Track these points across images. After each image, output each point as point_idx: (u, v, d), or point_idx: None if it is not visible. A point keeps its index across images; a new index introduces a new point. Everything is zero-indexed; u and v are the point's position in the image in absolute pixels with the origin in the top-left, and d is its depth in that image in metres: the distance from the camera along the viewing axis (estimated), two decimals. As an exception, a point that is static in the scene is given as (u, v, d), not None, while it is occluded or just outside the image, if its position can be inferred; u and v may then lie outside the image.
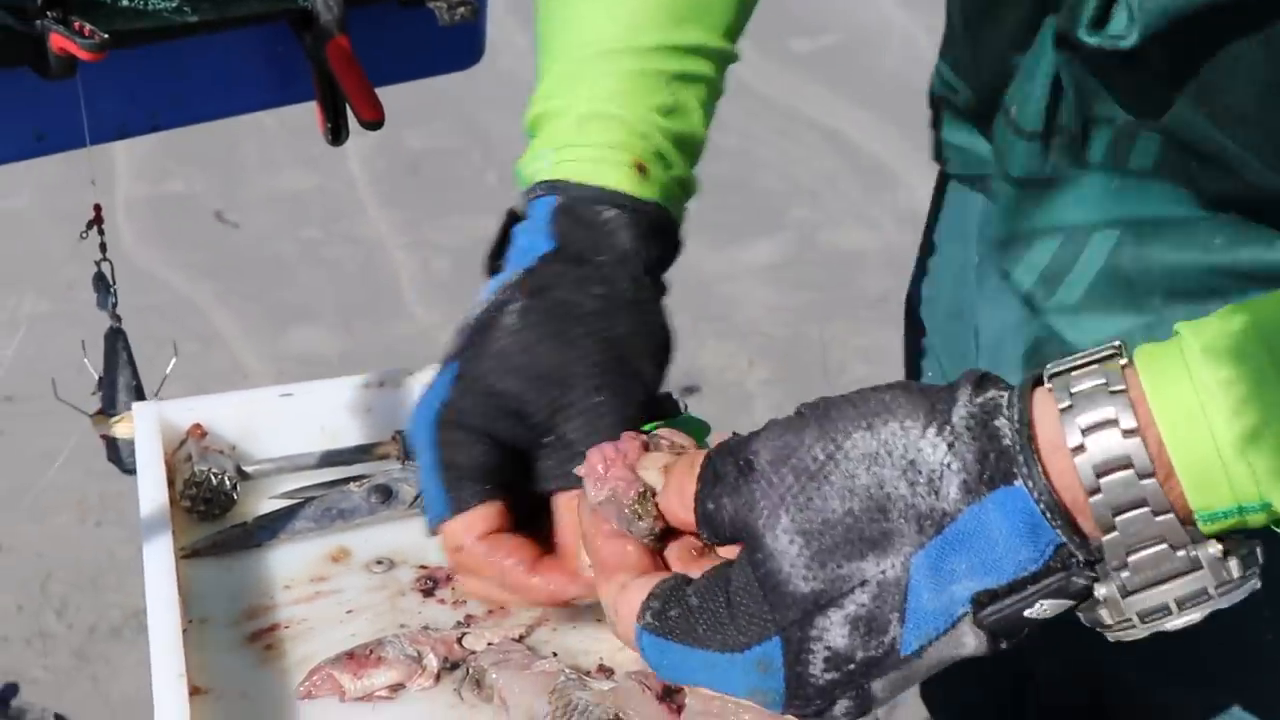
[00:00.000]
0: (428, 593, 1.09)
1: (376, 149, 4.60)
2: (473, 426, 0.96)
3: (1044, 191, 1.09)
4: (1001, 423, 0.73)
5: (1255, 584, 0.73)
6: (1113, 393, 0.71)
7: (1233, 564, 0.73)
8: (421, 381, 1.23)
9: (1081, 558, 0.73)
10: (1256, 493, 0.70)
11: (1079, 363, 0.74)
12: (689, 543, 0.87)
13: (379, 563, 1.12)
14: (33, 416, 3.38)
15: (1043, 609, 0.73)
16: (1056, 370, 0.74)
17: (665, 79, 1.05)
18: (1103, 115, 1.02)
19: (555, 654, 1.03)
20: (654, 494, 0.86)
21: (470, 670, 1.01)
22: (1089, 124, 1.04)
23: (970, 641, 0.74)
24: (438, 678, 1.01)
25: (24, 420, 3.39)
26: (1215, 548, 0.72)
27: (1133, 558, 0.72)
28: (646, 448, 0.89)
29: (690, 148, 1.08)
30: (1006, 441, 0.73)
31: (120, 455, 1.26)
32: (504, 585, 0.96)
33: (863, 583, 0.74)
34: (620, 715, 0.97)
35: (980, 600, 0.73)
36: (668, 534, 0.87)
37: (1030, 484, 0.72)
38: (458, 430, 0.96)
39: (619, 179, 1.02)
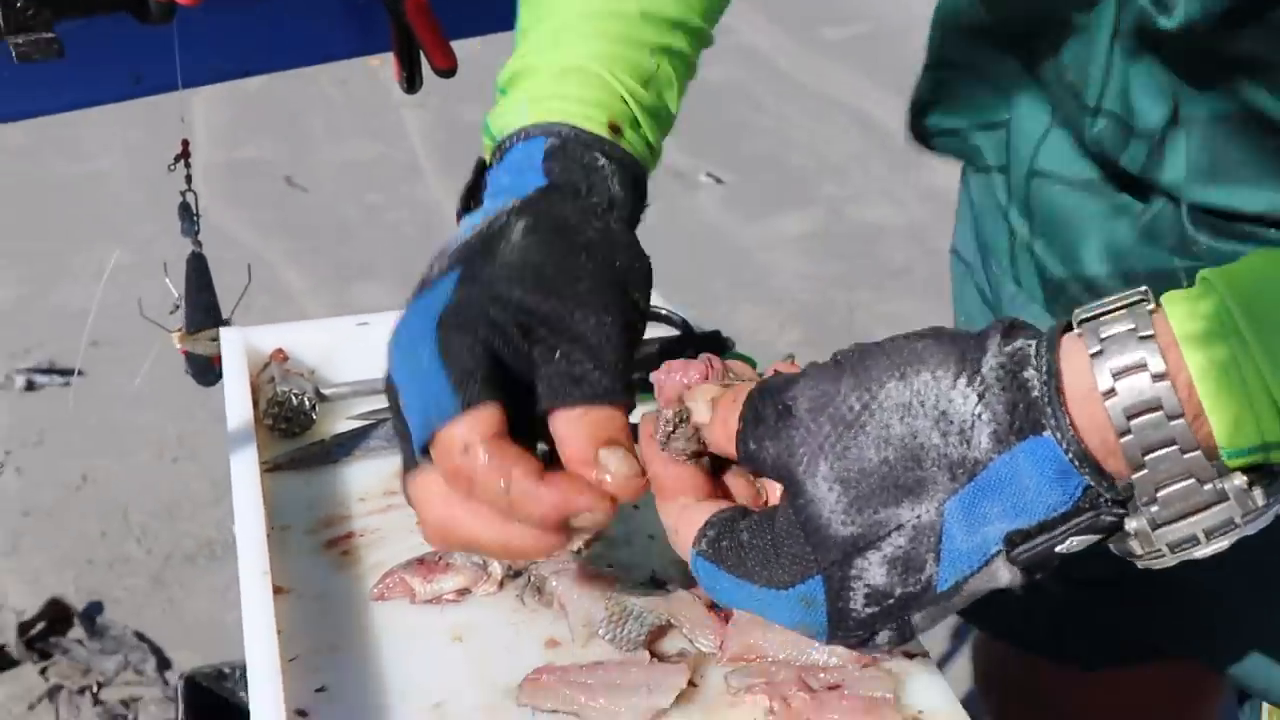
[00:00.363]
0: (492, 508, 1.09)
1: (435, 121, 4.60)
2: (476, 331, 0.84)
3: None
4: (1030, 374, 0.71)
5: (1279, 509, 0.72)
6: (1142, 338, 0.70)
7: (1257, 493, 0.71)
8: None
9: (1109, 497, 0.71)
10: None
11: (1108, 308, 0.72)
12: (743, 471, 0.86)
13: (447, 480, 1.11)
14: (116, 360, 3.39)
15: (1072, 544, 0.72)
16: (1085, 316, 0.72)
17: (646, 49, 0.99)
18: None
19: (610, 566, 1.02)
20: (690, 418, 0.84)
21: (531, 578, 1.01)
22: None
23: (1004, 576, 0.73)
24: (501, 584, 1.01)
25: (108, 364, 3.41)
26: (1240, 480, 0.71)
27: (1161, 493, 0.71)
28: (706, 377, 0.87)
29: (663, 122, 1.00)
30: (1035, 393, 0.71)
31: (199, 370, 1.25)
32: (508, 497, 0.80)
33: (899, 527, 0.73)
34: (672, 620, 0.97)
35: (1013, 539, 0.72)
36: (710, 458, 0.86)
37: (1058, 435, 0.70)
38: (461, 332, 0.83)
39: (598, 131, 0.95)
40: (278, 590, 0.99)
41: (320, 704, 0.91)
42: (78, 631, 2.70)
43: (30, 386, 3.40)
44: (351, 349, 1.20)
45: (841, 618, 0.75)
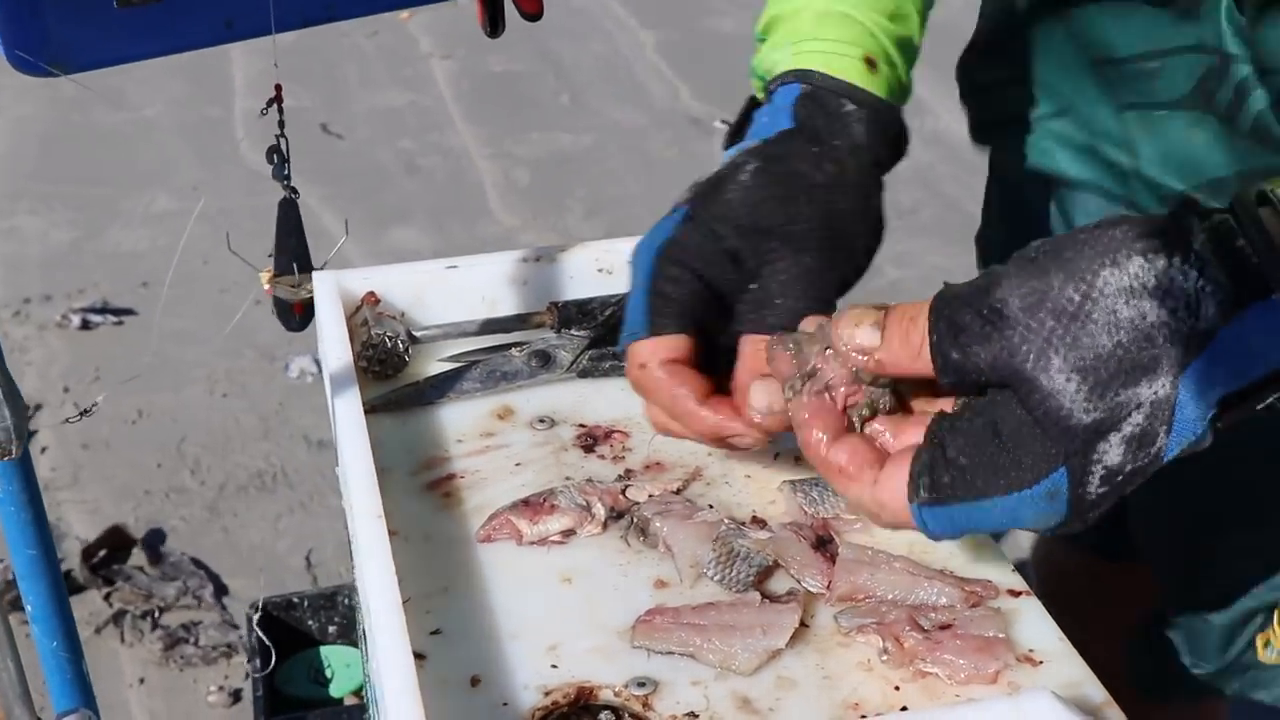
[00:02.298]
0: (588, 449, 1.03)
1: (462, 71, 4.52)
2: (689, 264, 0.92)
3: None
4: (1242, 243, 0.69)
5: None
6: None
7: None
8: (573, 256, 1.17)
9: None
10: None
11: None
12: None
13: (541, 421, 1.06)
14: (167, 300, 3.34)
15: (1268, 401, 0.71)
16: (1269, 187, 0.70)
17: None
18: None
19: (711, 506, 0.97)
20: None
21: (635, 519, 0.95)
22: None
23: (1208, 439, 0.71)
24: (605, 525, 0.95)
25: (158, 303, 3.35)
26: None
27: None
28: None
29: (909, 52, 1.03)
30: (1255, 259, 0.69)
31: (285, 313, 1.19)
32: (672, 412, 0.91)
33: (1138, 405, 0.71)
34: (779, 561, 0.92)
35: (1228, 401, 0.70)
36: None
37: None
38: (675, 265, 0.92)
39: (852, 71, 0.97)
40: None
41: (436, 646, 0.86)
42: (138, 559, 2.65)
43: (85, 325, 3.33)
44: (441, 291, 1.14)
45: (1080, 503, 0.73)
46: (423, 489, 0.99)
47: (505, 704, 0.82)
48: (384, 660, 0.77)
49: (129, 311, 3.39)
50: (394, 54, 4.66)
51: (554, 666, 0.84)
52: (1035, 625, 0.87)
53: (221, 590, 2.60)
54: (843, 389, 0.82)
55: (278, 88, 1.15)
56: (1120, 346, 0.70)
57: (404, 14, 4.81)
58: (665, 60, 4.62)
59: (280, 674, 1.74)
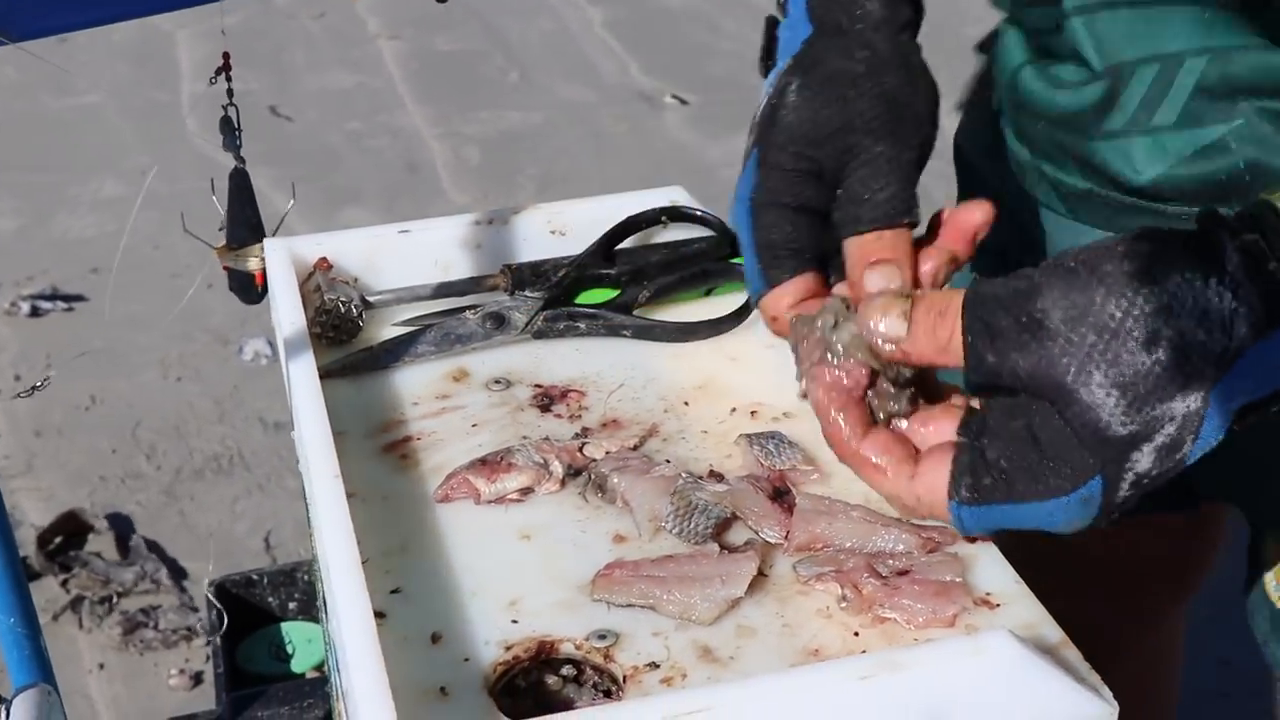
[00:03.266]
0: (544, 408, 1.03)
1: (410, 52, 4.49)
2: (781, 203, 0.92)
3: (1142, 22, 1.03)
4: (1274, 266, 0.73)
5: None
6: None
7: None
8: (526, 219, 1.17)
9: None
10: None
11: None
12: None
13: (496, 382, 1.05)
14: (116, 286, 3.31)
15: None
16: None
17: None
18: None
19: (669, 461, 0.97)
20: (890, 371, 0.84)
21: (593, 476, 0.95)
22: None
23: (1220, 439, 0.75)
24: (563, 483, 0.95)
25: (108, 289, 3.32)
26: None
27: None
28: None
29: None
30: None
31: (241, 286, 1.18)
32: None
33: (1172, 418, 0.74)
34: (737, 513, 0.92)
35: (1246, 411, 0.74)
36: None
37: None
38: (769, 210, 0.92)
39: None
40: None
41: (396, 604, 0.86)
42: (95, 544, 2.63)
43: (35, 312, 3.30)
44: (394, 256, 1.13)
45: (1109, 506, 0.76)
46: (380, 451, 0.99)
47: (467, 659, 0.82)
48: (344, 618, 0.77)
49: (79, 298, 3.36)
50: (341, 35, 4.63)
51: (514, 621, 0.84)
52: (992, 569, 0.88)
53: (180, 574, 2.59)
54: (864, 371, 0.84)
55: (225, 56, 1.14)
56: (1159, 364, 0.73)
57: (351, -5, 4.79)
58: (613, 36, 4.61)
59: (241, 651, 1.74)
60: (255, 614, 1.78)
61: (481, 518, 0.93)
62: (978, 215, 0.88)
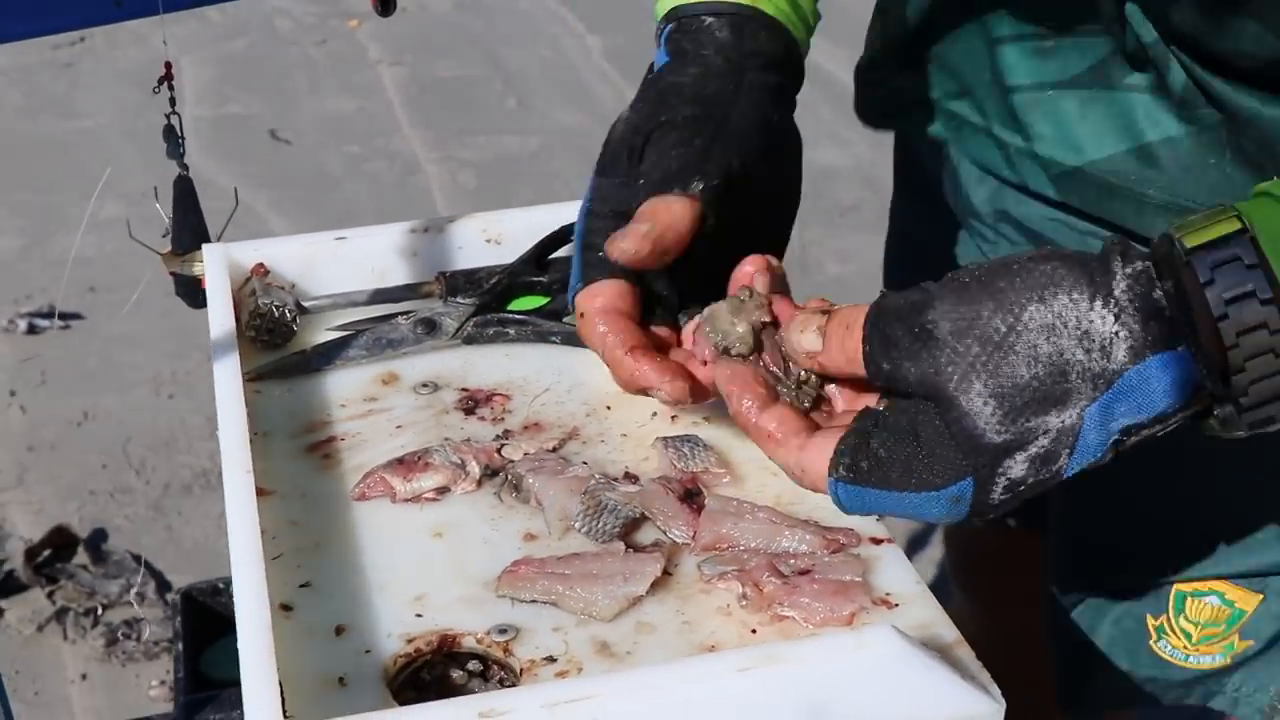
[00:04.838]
0: (469, 411, 1.04)
1: (410, 77, 4.52)
2: (606, 211, 0.93)
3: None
4: (1159, 295, 0.74)
5: None
6: (1249, 267, 0.73)
7: None
8: (462, 227, 1.18)
9: (1216, 394, 0.75)
10: None
11: (1210, 238, 0.74)
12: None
13: (424, 385, 1.06)
14: (113, 305, 3.32)
15: (1168, 428, 0.76)
16: (1188, 242, 0.75)
17: None
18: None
19: (585, 463, 0.97)
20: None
21: (509, 476, 0.96)
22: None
23: (1109, 457, 0.76)
24: (479, 483, 0.96)
25: (105, 308, 3.34)
26: None
27: (1253, 388, 0.74)
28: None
29: None
30: (1168, 313, 0.74)
31: (189, 291, 1.19)
32: (605, 360, 0.91)
33: (1045, 431, 0.75)
34: (646, 513, 0.92)
35: (1129, 431, 0.75)
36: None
37: (1194, 349, 0.74)
38: (599, 217, 0.93)
39: None
40: (261, 493, 0.94)
41: (304, 597, 0.87)
42: (82, 558, 2.64)
43: (32, 330, 3.32)
44: (331, 263, 1.14)
45: (981, 507, 0.77)
46: (303, 451, 1.00)
47: (368, 651, 0.82)
48: (242, 608, 0.78)
49: (76, 316, 3.38)
50: (343, 61, 4.66)
51: (419, 616, 0.85)
52: (894, 570, 0.88)
53: (165, 587, 2.59)
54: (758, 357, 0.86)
55: (167, 65, 1.15)
56: (1036, 379, 0.75)
57: (353, 21, 4.81)
58: (611, 64, 4.62)
59: (205, 658, 1.74)
60: (222, 622, 1.78)
61: (396, 516, 0.93)
62: (749, 268, 0.89)
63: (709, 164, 0.91)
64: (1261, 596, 1.12)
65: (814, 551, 0.89)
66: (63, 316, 3.37)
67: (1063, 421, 0.75)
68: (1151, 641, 1.17)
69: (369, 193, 3.90)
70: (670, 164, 0.91)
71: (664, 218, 0.89)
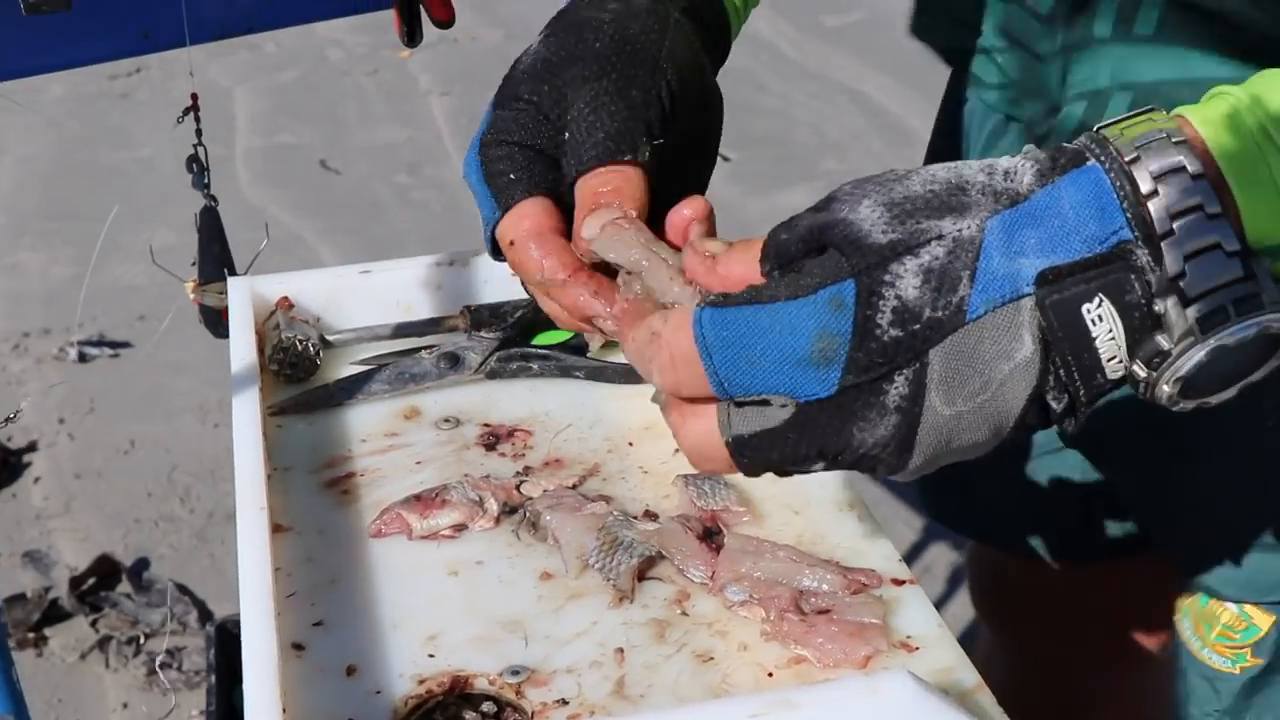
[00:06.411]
0: (490, 447, 1.03)
1: (460, 107, 4.54)
2: (509, 140, 0.84)
3: (1063, 64, 1.03)
4: (1071, 143, 0.68)
5: None
6: (1176, 143, 0.65)
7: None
8: (487, 260, 1.17)
9: (1142, 250, 0.65)
10: None
11: (1135, 124, 0.67)
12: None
13: (446, 420, 1.05)
14: (162, 333, 3.34)
15: (1101, 310, 0.65)
16: (1109, 132, 0.68)
17: None
18: None
19: (606, 499, 0.96)
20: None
21: (527, 513, 0.95)
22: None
23: (1027, 342, 0.66)
24: (497, 520, 0.95)
25: (154, 336, 3.36)
26: (1267, 262, 0.66)
27: (1191, 267, 0.64)
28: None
29: None
30: (1076, 146, 0.67)
31: (212, 321, 1.20)
32: (544, 288, 0.83)
33: (939, 236, 0.66)
34: (663, 552, 0.91)
35: (1045, 277, 0.65)
36: None
37: (1105, 161, 0.66)
38: (497, 146, 0.84)
39: None
40: (279, 528, 0.94)
41: (317, 637, 0.86)
42: (126, 586, 2.66)
43: (83, 358, 3.35)
44: (355, 297, 1.14)
45: (866, 330, 0.66)
46: (322, 486, 0.99)
47: (378, 692, 0.82)
48: (249, 651, 0.77)
49: (125, 344, 3.41)
50: (393, 91, 4.69)
51: (431, 656, 0.84)
52: (916, 612, 0.87)
53: (207, 616, 2.60)
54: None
55: (194, 97, 1.15)
56: (931, 191, 0.68)
57: (404, 52, 4.84)
58: (661, 94, 4.63)
59: (238, 691, 1.74)
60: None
61: (413, 553, 0.93)
62: (686, 211, 0.79)
63: (641, 121, 0.83)
64: (1274, 618, 1.10)
65: (835, 591, 0.87)
66: (112, 345, 3.40)
67: (959, 230, 0.66)
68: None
69: (417, 222, 3.92)
70: (606, 122, 0.83)
71: (629, 194, 0.81)
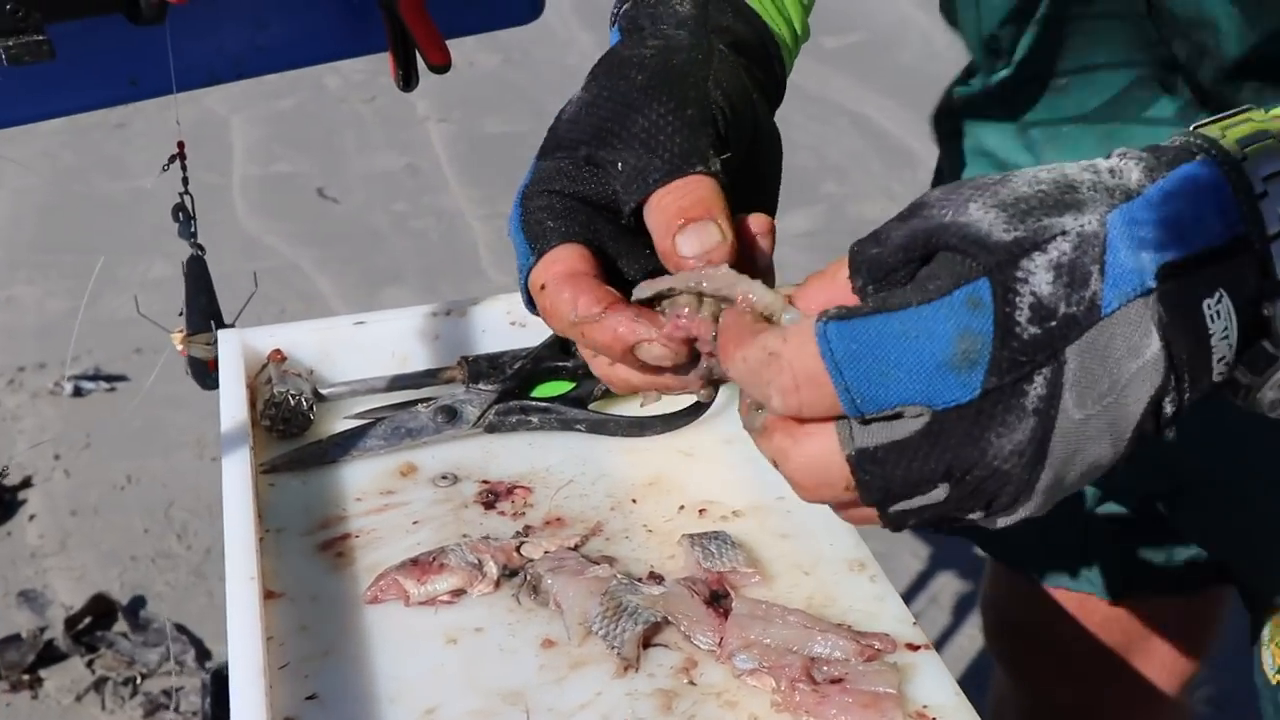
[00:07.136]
0: (489, 505, 1.00)
1: (458, 134, 4.52)
2: (551, 190, 0.79)
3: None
4: (1167, 143, 0.66)
5: None
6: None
7: None
8: (485, 310, 1.15)
9: (1257, 261, 0.63)
10: None
11: (1236, 124, 0.65)
12: None
13: (444, 477, 1.03)
14: (159, 367, 3.32)
15: (1220, 307, 0.63)
16: (1209, 131, 0.65)
17: None
18: None
19: (609, 560, 0.93)
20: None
21: (528, 577, 0.92)
22: None
23: (1155, 339, 0.63)
24: (497, 584, 0.92)
25: (150, 370, 3.33)
26: None
27: None
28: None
29: None
30: (1178, 144, 0.65)
31: (200, 373, 1.17)
32: (578, 329, 0.77)
33: (1063, 232, 0.63)
34: (669, 618, 0.88)
35: (1165, 270, 0.62)
36: None
37: (1217, 157, 0.64)
38: (538, 197, 0.80)
39: None
40: (271, 595, 0.91)
41: (310, 711, 0.82)
42: (122, 625, 2.63)
43: (78, 393, 3.32)
44: (349, 349, 1.11)
45: (1008, 329, 0.62)
46: (315, 549, 0.96)
47: (374, 771, 0.79)
48: (241, 727, 0.74)
49: (121, 378, 3.38)
50: (391, 118, 4.67)
51: (428, 731, 0.81)
52: (932, 679, 0.84)
53: (204, 655, 2.57)
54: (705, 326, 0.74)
55: (180, 144, 1.13)
56: (1041, 191, 0.64)
57: (400, 79, 4.82)
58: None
59: (235, 740, 1.71)
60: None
61: (410, 620, 0.90)
62: (752, 226, 0.76)
63: (703, 137, 0.78)
64: None
65: (847, 659, 0.84)
66: (108, 379, 3.37)
67: (1081, 226, 0.63)
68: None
69: (415, 251, 3.90)
70: (670, 139, 0.77)
71: (711, 206, 0.75)
